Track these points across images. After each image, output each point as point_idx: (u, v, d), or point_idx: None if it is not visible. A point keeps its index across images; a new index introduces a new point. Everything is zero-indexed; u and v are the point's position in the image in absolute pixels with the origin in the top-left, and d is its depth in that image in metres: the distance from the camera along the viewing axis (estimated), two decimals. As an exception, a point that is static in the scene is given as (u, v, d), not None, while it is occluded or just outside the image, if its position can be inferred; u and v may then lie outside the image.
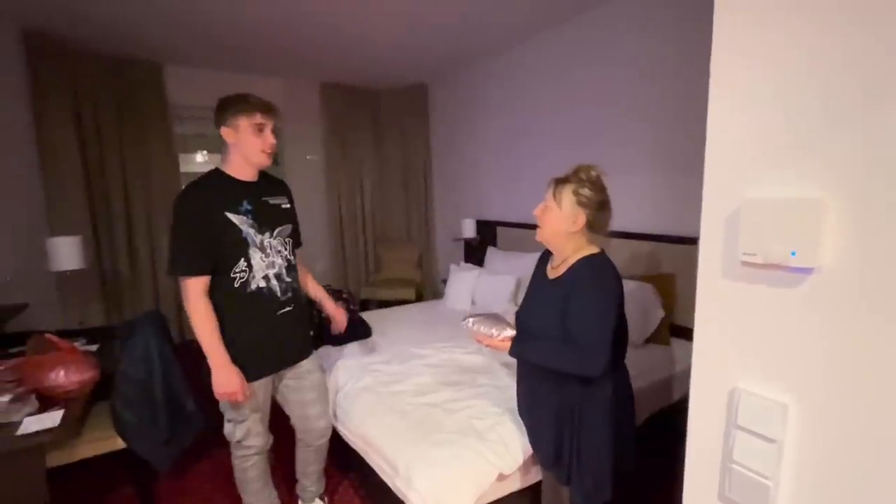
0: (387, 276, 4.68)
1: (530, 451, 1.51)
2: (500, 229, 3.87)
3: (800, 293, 0.54)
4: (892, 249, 0.47)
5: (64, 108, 3.18)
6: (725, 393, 0.63)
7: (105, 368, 1.69)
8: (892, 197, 0.47)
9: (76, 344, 1.85)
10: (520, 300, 1.77)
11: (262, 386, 1.51)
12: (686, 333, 2.31)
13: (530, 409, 1.40)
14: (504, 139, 3.77)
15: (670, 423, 1.87)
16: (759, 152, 0.58)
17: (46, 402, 1.43)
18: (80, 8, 2.66)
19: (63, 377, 1.43)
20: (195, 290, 1.35)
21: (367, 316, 2.86)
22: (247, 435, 1.52)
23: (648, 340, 2.33)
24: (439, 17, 2.91)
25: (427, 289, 4.71)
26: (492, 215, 3.97)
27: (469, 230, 3.99)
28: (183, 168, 4.08)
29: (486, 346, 1.31)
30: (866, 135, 0.48)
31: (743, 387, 0.61)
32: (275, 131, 1.44)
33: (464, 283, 3.27)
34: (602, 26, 2.83)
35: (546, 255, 1.39)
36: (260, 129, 1.40)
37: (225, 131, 1.40)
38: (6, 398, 1.32)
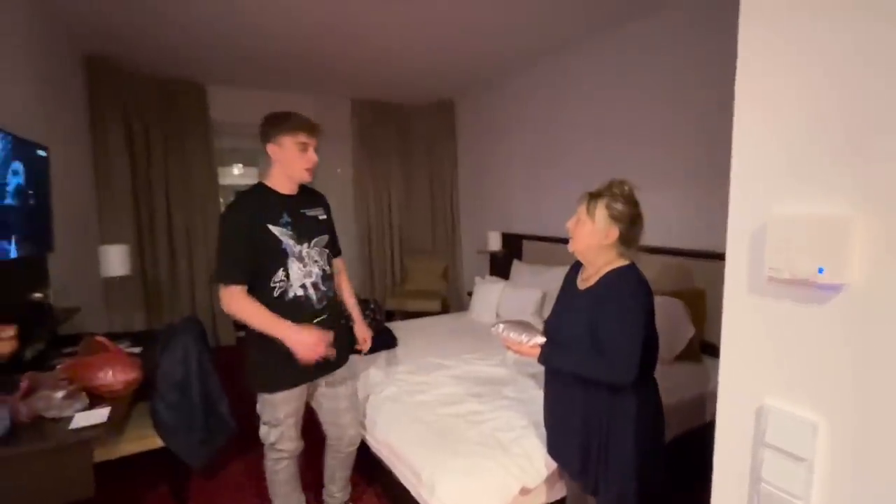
0: (413, 287, 4.74)
1: (555, 465, 1.50)
2: (525, 243, 3.86)
3: (827, 310, 0.54)
4: (922, 267, 0.47)
5: (117, 125, 3.43)
6: (753, 410, 0.62)
7: (146, 370, 1.79)
8: (921, 215, 0.47)
9: (122, 346, 1.96)
10: (545, 314, 1.77)
11: (298, 393, 1.57)
12: (718, 351, 2.23)
13: (558, 417, 1.40)
14: (530, 154, 3.79)
15: (701, 443, 1.81)
16: (786, 168, 0.58)
17: (94, 400, 1.52)
18: (135, 34, 2.89)
19: (111, 377, 1.53)
20: (236, 295, 1.43)
21: (392, 326, 2.91)
22: (280, 438, 1.58)
23: (679, 357, 2.27)
24: (467, 34, 2.99)
25: (452, 301, 4.73)
26: (517, 229, 3.98)
27: (495, 243, 4.00)
28: (221, 181, 4.29)
29: (515, 352, 1.32)
30: (894, 152, 0.48)
31: (771, 404, 0.60)
32: (317, 150, 1.51)
33: (489, 295, 3.28)
34: (629, 44, 2.84)
35: (577, 267, 1.40)
36: (304, 147, 1.47)
37: (270, 148, 1.47)
38: (60, 394, 1.42)
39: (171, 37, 2.94)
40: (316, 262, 1.56)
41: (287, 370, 1.49)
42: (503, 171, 4.14)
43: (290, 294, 1.50)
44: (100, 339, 1.74)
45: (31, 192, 2.04)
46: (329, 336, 1.47)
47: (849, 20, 0.51)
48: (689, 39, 2.49)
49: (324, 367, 1.59)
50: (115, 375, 1.54)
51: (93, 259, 2.91)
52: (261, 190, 1.52)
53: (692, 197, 2.53)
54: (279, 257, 1.47)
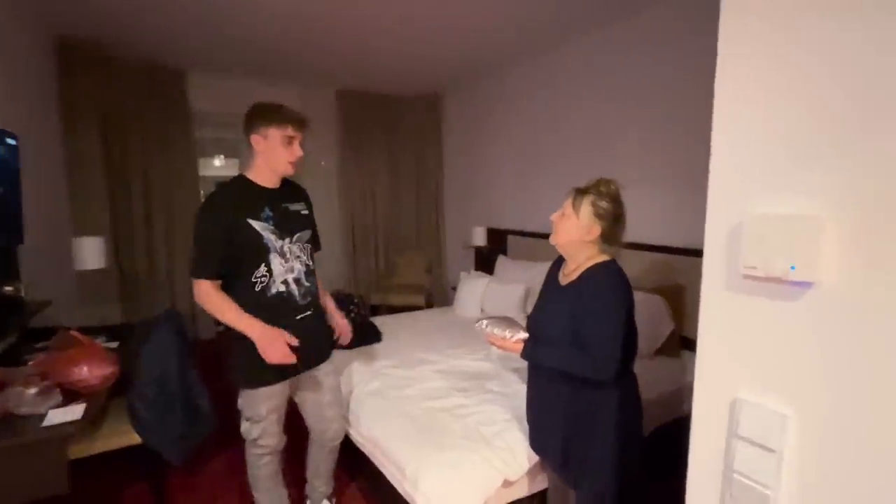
0: (397, 281, 4.72)
1: (536, 458, 1.52)
2: (510, 238, 3.89)
3: (799, 306, 0.56)
4: (886, 267, 0.49)
5: (90, 112, 3.30)
6: (727, 403, 0.64)
7: (123, 365, 1.75)
8: (887, 217, 0.48)
9: (98, 341, 1.91)
10: (529, 309, 1.78)
11: (280, 389, 1.55)
12: (695, 346, 2.29)
13: (539, 411, 1.42)
14: (516, 149, 3.80)
15: (679, 435, 1.86)
16: (761, 168, 0.60)
17: (69, 396, 1.48)
18: (112, 16, 2.77)
19: (86, 372, 1.49)
20: (206, 290, 1.40)
21: (377, 321, 2.90)
22: (262, 434, 1.56)
23: (658, 352, 2.32)
24: (454, 30, 2.97)
25: (437, 295, 4.73)
26: (503, 224, 4.00)
27: (480, 238, 4.02)
28: (201, 172, 4.19)
29: (499, 347, 1.34)
30: (864, 157, 0.50)
31: (744, 397, 0.62)
32: (302, 144, 1.48)
33: (474, 290, 3.29)
34: (615, 42, 2.86)
35: (559, 262, 1.42)
36: (290, 141, 1.45)
37: (255, 139, 1.44)
38: (33, 390, 1.37)
39: (150, 19, 2.82)
40: (298, 257, 1.54)
41: (270, 366, 1.46)
42: (489, 166, 4.15)
43: (273, 290, 1.48)
44: (74, 333, 1.69)
45: (-1, 181, 1.96)
46: (293, 339, 1.43)
47: (824, 23, 0.53)
48: (674, 40, 2.52)
49: (307, 362, 1.57)
50: (90, 370, 1.50)
51: (65, 251, 2.82)
52: (242, 182, 1.49)
53: (675, 194, 2.57)
54: (260, 252, 1.45)
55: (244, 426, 1.58)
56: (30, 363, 1.59)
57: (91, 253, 2.70)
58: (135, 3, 2.60)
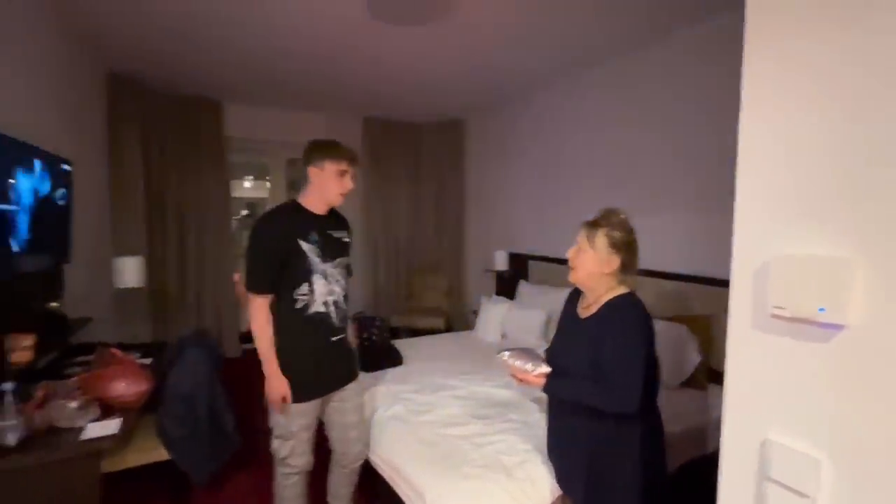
0: (418, 304, 4.75)
1: (558, 491, 1.49)
2: (531, 263, 3.88)
3: (829, 348, 0.56)
4: (917, 312, 0.49)
5: (134, 140, 3.53)
6: (757, 444, 0.64)
7: (155, 382, 1.81)
8: (916, 262, 0.49)
9: (132, 357, 1.99)
10: (550, 335, 1.78)
11: (312, 407, 1.60)
12: (722, 379, 2.22)
13: (563, 447, 1.40)
14: (538, 175, 3.84)
15: (707, 473, 1.79)
16: (788, 211, 0.61)
17: (105, 410, 1.55)
18: (157, 53, 3.00)
19: (124, 388, 1.55)
20: (260, 305, 1.52)
21: (398, 344, 2.92)
22: (291, 453, 1.60)
23: (685, 384, 2.26)
24: (477, 61, 3.08)
25: (456, 319, 4.73)
26: (524, 248, 4.00)
27: (501, 262, 4.03)
28: (231, 193, 4.36)
29: (520, 380, 1.33)
30: (890, 200, 0.51)
31: (774, 439, 0.62)
32: (353, 178, 1.61)
33: (494, 315, 3.29)
34: (636, 70, 2.91)
35: (575, 295, 1.42)
36: (342, 174, 1.57)
37: (312, 170, 1.57)
38: (74, 404, 1.44)
39: (191, 57, 3.05)
40: (338, 281, 1.63)
41: (302, 382, 1.54)
42: (511, 191, 4.19)
43: (312, 309, 1.56)
44: (114, 350, 1.77)
45: (55, 204, 2.11)
46: (288, 399, 1.53)
47: (845, 68, 0.54)
48: (692, 70, 2.55)
49: (337, 381, 1.65)
50: (128, 387, 1.57)
51: (105, 270, 2.96)
52: (294, 207, 1.60)
53: (689, 222, 2.55)
54: (306, 272, 1.54)
55: (274, 444, 1.62)
56: (73, 378, 1.67)
57: (130, 272, 2.84)
58: (178, 43, 2.81)
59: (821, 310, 0.56)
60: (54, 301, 2.19)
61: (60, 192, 2.17)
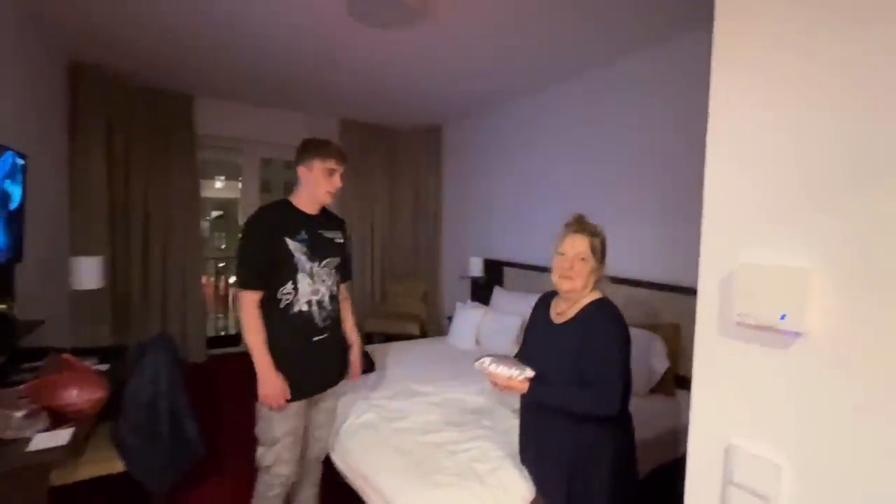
0: (392, 309, 4.70)
1: (530, 497, 1.50)
2: (507, 269, 3.91)
3: (789, 355, 0.58)
4: (870, 319, 0.51)
5: (98, 133, 3.36)
6: (722, 449, 0.65)
7: (112, 388, 1.72)
8: (871, 271, 0.51)
9: (88, 363, 1.88)
10: (525, 342, 1.78)
11: (296, 409, 1.56)
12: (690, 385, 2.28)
13: (540, 452, 1.40)
14: (513, 183, 3.88)
15: (677, 477, 1.83)
16: (753, 219, 0.63)
17: (56, 419, 1.45)
18: (124, 43, 2.87)
19: (76, 396, 1.46)
20: (249, 301, 1.51)
21: (371, 349, 2.88)
22: (276, 461, 1.55)
23: (653, 391, 2.31)
24: (455, 71, 3.11)
25: (431, 325, 4.71)
26: (500, 255, 4.03)
27: (476, 269, 4.04)
28: (202, 193, 4.21)
29: (503, 386, 1.30)
30: (850, 213, 0.53)
31: (738, 444, 0.63)
32: (342, 177, 1.61)
33: (469, 321, 3.29)
34: (609, 82, 2.99)
35: (545, 300, 1.43)
36: (331, 173, 1.58)
37: (301, 170, 1.58)
38: (20, 414, 1.35)
39: (160, 48, 2.92)
40: (324, 281, 1.61)
41: (289, 385, 1.52)
42: (487, 197, 4.22)
43: (296, 308, 1.55)
44: (66, 356, 1.67)
45: (7, 200, 1.98)
46: (287, 395, 1.51)
47: (816, 93, 0.57)
48: (661, 81, 2.65)
49: (320, 384, 1.64)
50: (80, 395, 1.47)
51: (62, 270, 2.80)
52: (285, 205, 1.60)
53: (666, 232, 2.63)
54: (290, 270, 1.53)
55: (259, 451, 1.58)
56: (19, 387, 1.56)
57: (88, 273, 2.69)
58: (146, 32, 2.70)
59: (782, 317, 0.58)
60: (3, 303, 2.05)
61: (13, 186, 2.04)
